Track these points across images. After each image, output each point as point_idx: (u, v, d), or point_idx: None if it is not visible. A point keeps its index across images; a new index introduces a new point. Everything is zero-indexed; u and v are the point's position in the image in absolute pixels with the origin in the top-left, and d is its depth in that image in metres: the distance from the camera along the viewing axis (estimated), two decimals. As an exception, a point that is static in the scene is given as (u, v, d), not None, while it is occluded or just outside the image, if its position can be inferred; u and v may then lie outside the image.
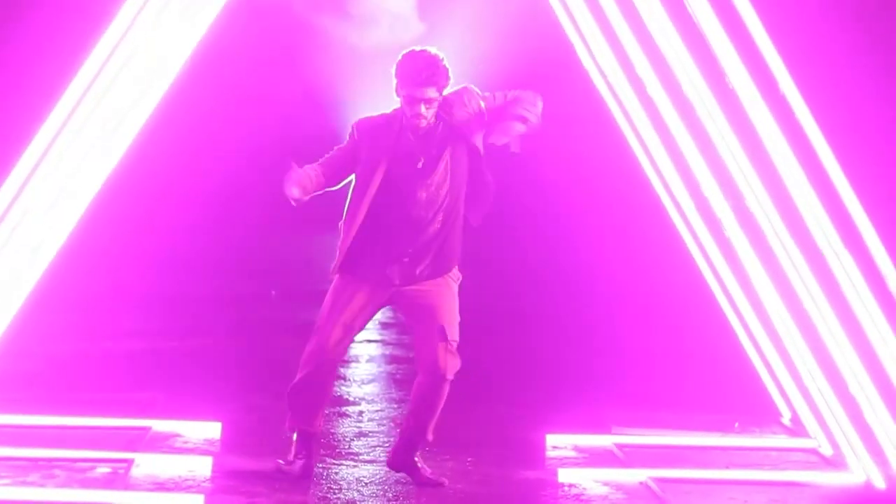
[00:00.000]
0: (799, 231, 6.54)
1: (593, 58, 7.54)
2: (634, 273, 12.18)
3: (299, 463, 6.25)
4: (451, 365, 6.14)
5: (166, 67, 7.01)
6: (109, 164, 6.93)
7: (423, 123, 6.06)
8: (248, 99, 16.11)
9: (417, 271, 6.12)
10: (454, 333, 6.17)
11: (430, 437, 6.21)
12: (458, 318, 6.21)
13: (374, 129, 6.15)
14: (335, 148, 6.26)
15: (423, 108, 6.02)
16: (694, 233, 7.39)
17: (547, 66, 12.01)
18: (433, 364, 6.12)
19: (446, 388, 6.16)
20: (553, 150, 13.45)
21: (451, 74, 6.07)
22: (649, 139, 7.29)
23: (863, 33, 7.64)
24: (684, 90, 6.71)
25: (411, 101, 6.03)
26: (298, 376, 6.25)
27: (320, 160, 6.21)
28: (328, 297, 6.24)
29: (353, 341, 6.35)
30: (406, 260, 6.11)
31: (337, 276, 6.21)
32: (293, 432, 6.31)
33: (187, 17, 6.94)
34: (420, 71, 5.98)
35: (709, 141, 6.72)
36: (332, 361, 6.23)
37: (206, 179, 15.70)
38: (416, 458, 6.25)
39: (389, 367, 9.19)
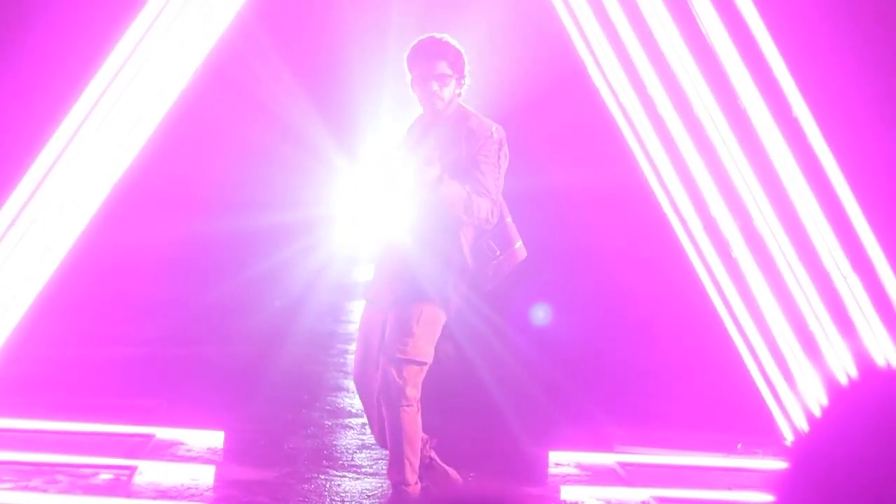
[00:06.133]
0: (806, 252, 6.55)
1: (604, 75, 7.56)
2: (639, 291, 12.17)
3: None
4: (392, 383, 5.69)
5: (175, 77, 7.04)
6: (116, 172, 6.95)
7: (440, 106, 5.74)
8: (257, 107, 16.13)
9: (389, 296, 5.79)
10: (403, 348, 5.70)
11: (397, 478, 5.85)
12: (416, 332, 5.71)
13: (408, 129, 5.94)
14: None
15: (435, 86, 5.72)
16: (700, 251, 7.39)
17: (557, 84, 12.02)
18: (378, 385, 5.79)
19: (396, 415, 5.72)
20: (560, 165, 13.46)
21: (464, 55, 5.81)
22: (658, 157, 7.30)
23: (883, 56, 7.64)
24: (695, 110, 6.72)
25: (423, 80, 5.75)
26: None
27: None
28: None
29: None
30: (385, 283, 5.82)
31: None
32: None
33: (198, 26, 6.97)
34: (429, 47, 5.78)
35: (719, 162, 6.73)
36: (358, 384, 5.97)
37: (212, 187, 15.71)
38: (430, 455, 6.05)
39: (393, 380, 9.18)
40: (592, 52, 7.54)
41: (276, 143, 16.45)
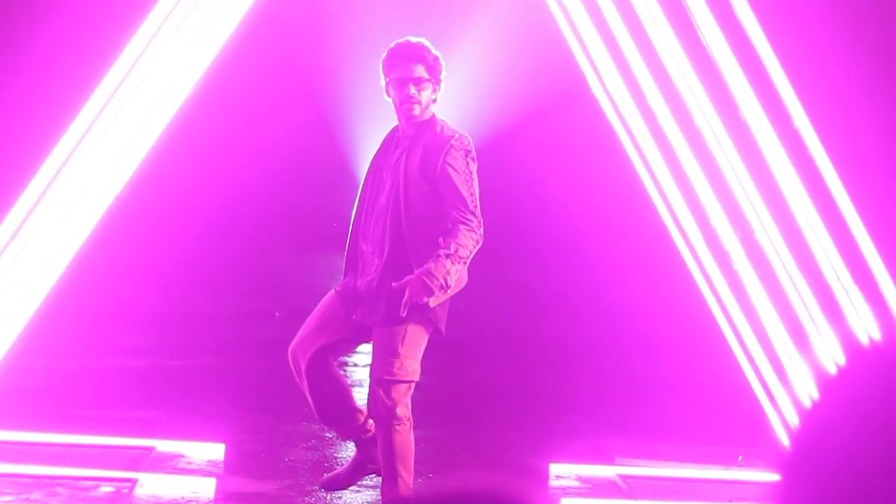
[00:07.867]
0: (808, 264, 6.55)
1: (604, 87, 7.56)
2: (641, 303, 12.17)
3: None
4: (381, 404, 5.67)
5: (174, 90, 7.03)
6: (117, 183, 6.95)
7: (417, 111, 5.65)
8: (257, 119, 16.14)
9: (368, 314, 5.75)
10: (390, 369, 5.67)
11: (390, 495, 5.75)
12: (402, 352, 5.67)
13: (384, 142, 5.90)
14: None
15: (412, 89, 5.64)
16: (700, 263, 7.39)
17: (557, 95, 12.03)
18: (368, 406, 5.80)
19: (388, 435, 5.67)
20: (562, 178, 13.47)
21: (441, 61, 5.74)
22: (658, 169, 7.30)
23: (886, 67, 7.65)
24: (695, 121, 6.73)
25: (399, 83, 5.67)
26: None
27: None
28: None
29: (325, 350, 5.91)
30: (362, 299, 5.78)
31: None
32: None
33: (201, 36, 6.96)
34: (406, 50, 5.71)
35: (719, 173, 6.73)
36: (294, 355, 5.92)
37: (212, 198, 15.72)
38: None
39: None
40: (592, 64, 7.55)
41: (280, 151, 16.45)
